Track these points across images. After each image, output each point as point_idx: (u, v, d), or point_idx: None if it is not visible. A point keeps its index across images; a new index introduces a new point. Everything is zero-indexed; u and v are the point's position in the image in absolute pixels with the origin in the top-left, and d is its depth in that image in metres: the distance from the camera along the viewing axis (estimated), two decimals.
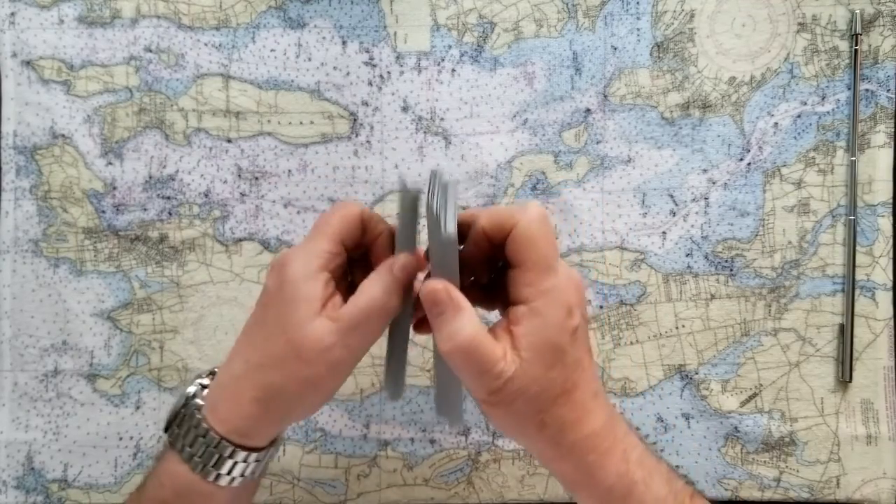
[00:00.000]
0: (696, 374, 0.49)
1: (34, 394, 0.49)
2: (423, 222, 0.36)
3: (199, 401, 0.36)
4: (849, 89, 0.50)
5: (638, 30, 0.50)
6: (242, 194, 0.50)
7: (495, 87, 0.50)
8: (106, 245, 0.50)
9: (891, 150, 0.50)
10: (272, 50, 0.50)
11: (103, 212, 0.50)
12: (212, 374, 0.38)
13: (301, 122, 0.50)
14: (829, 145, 0.50)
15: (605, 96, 0.50)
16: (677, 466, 0.49)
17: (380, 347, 0.49)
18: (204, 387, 0.37)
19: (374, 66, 0.50)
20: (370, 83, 0.50)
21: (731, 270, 0.50)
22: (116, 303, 0.49)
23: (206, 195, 0.50)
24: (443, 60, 0.50)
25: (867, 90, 0.50)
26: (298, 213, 0.50)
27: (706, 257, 0.50)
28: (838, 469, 0.49)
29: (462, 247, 0.36)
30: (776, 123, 0.50)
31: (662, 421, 0.49)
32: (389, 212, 0.49)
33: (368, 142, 0.50)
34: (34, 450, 0.49)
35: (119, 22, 0.50)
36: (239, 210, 0.50)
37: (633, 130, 0.50)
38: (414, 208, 0.37)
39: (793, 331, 0.49)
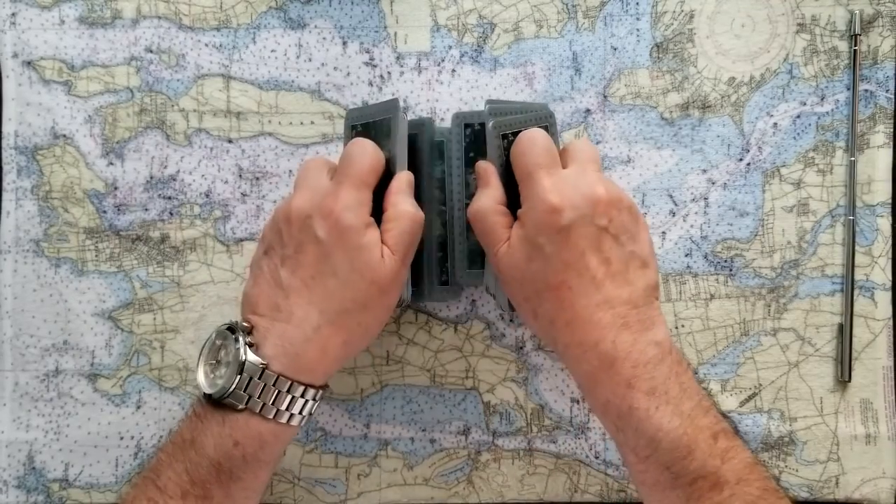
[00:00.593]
0: (696, 373, 0.49)
1: (35, 393, 0.49)
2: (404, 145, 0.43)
3: (256, 361, 0.38)
4: (848, 90, 0.50)
5: (637, 30, 0.50)
6: (243, 194, 0.50)
7: (495, 87, 0.50)
8: (107, 245, 0.50)
9: (890, 151, 0.50)
10: (273, 50, 0.50)
11: (104, 212, 0.50)
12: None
13: (302, 123, 0.50)
14: (829, 145, 0.50)
15: (605, 97, 0.50)
16: None
17: (380, 347, 0.50)
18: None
19: (375, 66, 0.50)
20: (370, 83, 0.50)
21: (731, 270, 0.50)
22: (117, 303, 0.49)
23: (207, 195, 0.50)
24: (443, 61, 0.50)
25: (866, 90, 0.50)
26: None
27: (705, 257, 0.50)
28: (837, 469, 0.49)
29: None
30: (775, 124, 0.50)
31: None
32: None
33: None
34: (35, 449, 0.49)
35: (120, 22, 0.50)
36: (240, 210, 0.50)
37: (633, 131, 0.50)
38: (404, 134, 0.43)
39: (792, 331, 0.49)
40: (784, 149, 0.50)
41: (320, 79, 0.50)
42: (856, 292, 0.49)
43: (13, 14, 0.50)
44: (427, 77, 0.50)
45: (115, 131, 0.50)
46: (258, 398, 0.37)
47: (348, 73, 0.50)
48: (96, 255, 0.50)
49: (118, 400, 0.49)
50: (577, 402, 0.49)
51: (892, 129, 0.50)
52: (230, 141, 0.50)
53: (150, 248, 0.50)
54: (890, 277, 0.50)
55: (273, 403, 0.38)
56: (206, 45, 0.50)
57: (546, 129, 0.41)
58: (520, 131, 0.41)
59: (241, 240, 0.50)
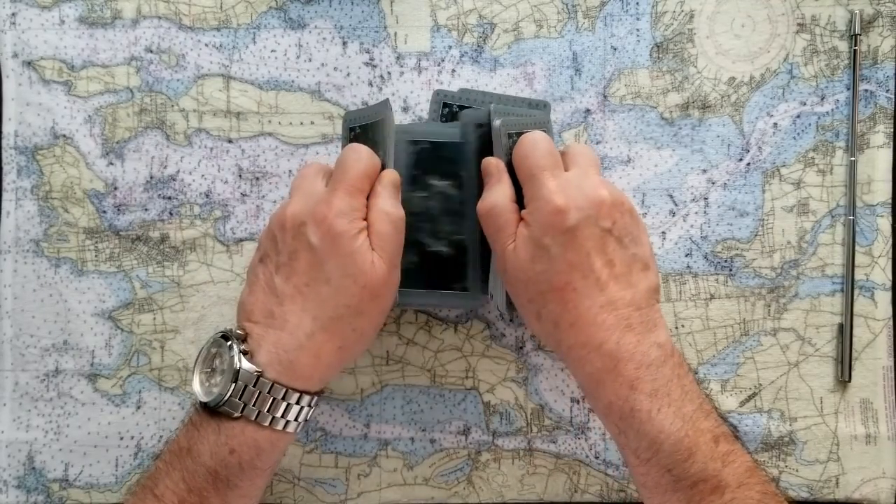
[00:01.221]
0: (696, 373, 0.49)
1: (35, 393, 0.49)
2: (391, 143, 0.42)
3: (250, 369, 0.38)
4: (848, 90, 0.50)
5: (637, 30, 0.50)
6: (243, 194, 0.50)
7: (495, 87, 0.50)
8: (107, 245, 0.50)
9: (890, 151, 0.50)
10: (273, 50, 0.50)
11: (104, 212, 0.50)
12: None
13: (302, 123, 0.50)
14: (829, 145, 0.50)
15: (605, 97, 0.50)
16: None
17: (380, 347, 0.50)
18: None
19: (375, 66, 0.50)
20: (371, 84, 0.50)
21: (731, 270, 0.50)
22: (117, 303, 0.49)
23: (207, 195, 0.50)
24: (443, 61, 0.50)
25: (866, 90, 0.50)
26: None
27: (705, 257, 0.50)
28: (837, 469, 0.49)
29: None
30: (775, 124, 0.50)
31: None
32: None
33: None
34: (35, 449, 0.49)
35: (120, 22, 0.50)
36: (240, 210, 0.50)
37: (633, 131, 0.50)
38: (390, 133, 0.42)
39: (792, 331, 0.49)
40: (784, 149, 0.50)
41: (320, 79, 0.50)
42: (856, 292, 0.49)
43: (13, 14, 0.50)
44: (427, 77, 0.50)
45: (115, 131, 0.50)
46: (253, 406, 0.38)
47: (348, 74, 0.50)
48: (96, 255, 0.50)
49: (118, 400, 0.49)
50: (577, 402, 0.49)
51: (892, 129, 0.50)
52: (230, 141, 0.50)
53: (150, 248, 0.50)
54: (890, 277, 0.50)
55: (268, 411, 0.38)
56: (206, 45, 0.50)
57: (546, 131, 0.41)
58: (522, 132, 0.41)
59: (241, 240, 0.50)
